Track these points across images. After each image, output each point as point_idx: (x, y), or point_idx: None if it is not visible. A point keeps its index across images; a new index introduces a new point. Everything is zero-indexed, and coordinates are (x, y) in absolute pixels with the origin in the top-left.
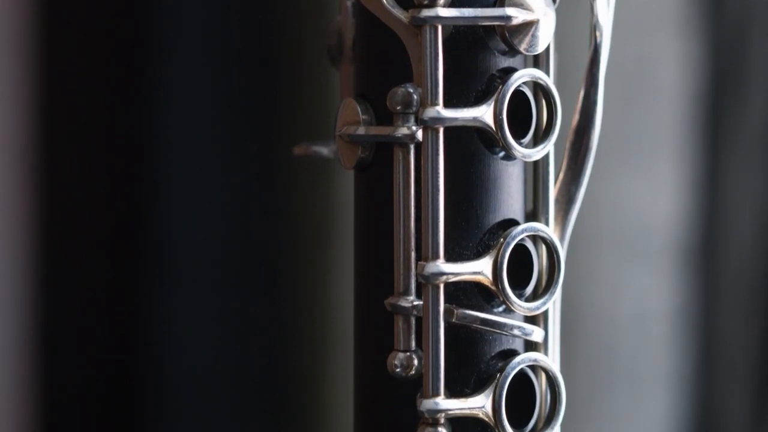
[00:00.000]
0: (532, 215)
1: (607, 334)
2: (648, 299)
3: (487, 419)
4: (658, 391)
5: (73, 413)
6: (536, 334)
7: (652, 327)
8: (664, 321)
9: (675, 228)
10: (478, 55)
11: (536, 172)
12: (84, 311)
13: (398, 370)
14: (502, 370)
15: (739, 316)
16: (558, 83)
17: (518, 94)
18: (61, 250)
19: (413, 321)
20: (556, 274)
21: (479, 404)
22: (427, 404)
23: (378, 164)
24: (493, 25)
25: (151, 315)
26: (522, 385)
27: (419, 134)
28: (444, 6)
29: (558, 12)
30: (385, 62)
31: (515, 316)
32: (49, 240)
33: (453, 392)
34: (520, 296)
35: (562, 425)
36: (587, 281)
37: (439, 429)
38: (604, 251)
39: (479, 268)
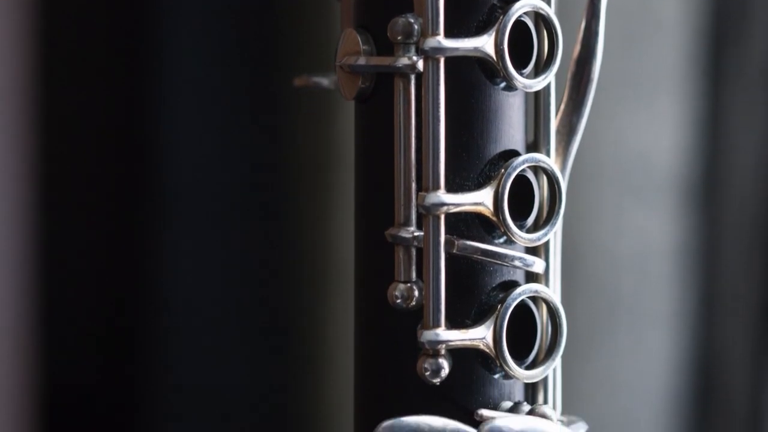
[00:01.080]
0: (533, 146)
1: (608, 271)
2: (649, 236)
3: (487, 350)
4: (660, 328)
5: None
6: (537, 265)
7: (653, 264)
8: (666, 258)
9: (676, 164)
10: None
11: (537, 103)
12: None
13: (399, 301)
14: (502, 301)
15: (741, 253)
16: (559, 14)
17: (519, 24)
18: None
19: (414, 252)
20: (557, 205)
21: (480, 335)
22: (427, 335)
23: (379, 95)
24: None
25: (154, 246)
26: (523, 317)
27: (420, 64)
28: None
29: None
30: None
31: (516, 248)
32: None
33: (453, 323)
34: (521, 227)
35: (563, 359)
36: (588, 218)
37: (440, 360)
38: (605, 188)
39: (480, 199)
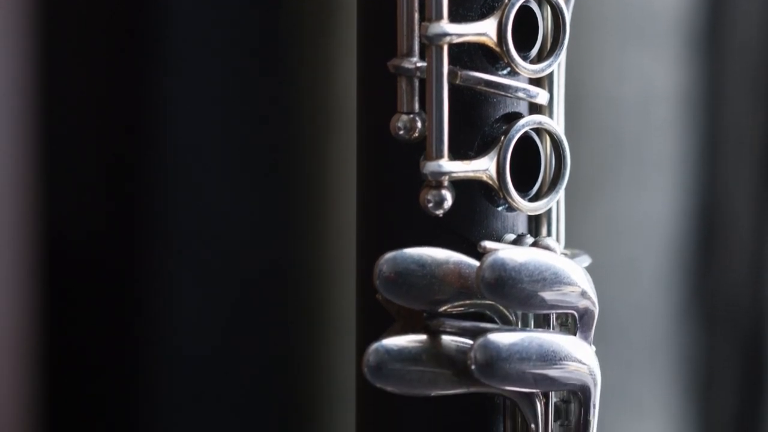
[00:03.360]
0: None
1: (612, 116)
2: (652, 81)
3: (491, 182)
4: (663, 173)
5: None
6: (541, 96)
7: (656, 109)
8: (669, 103)
9: (681, 8)
10: None
11: None
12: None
13: (401, 132)
14: (506, 132)
15: (744, 97)
16: None
17: None
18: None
19: (416, 83)
20: (561, 35)
21: (483, 167)
22: (430, 166)
23: None
24: None
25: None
26: (526, 150)
27: None
28: None
29: None
30: None
31: (520, 79)
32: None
33: (456, 155)
34: (524, 58)
35: (566, 201)
36: (591, 63)
37: (443, 192)
38: (609, 32)
39: (484, 29)
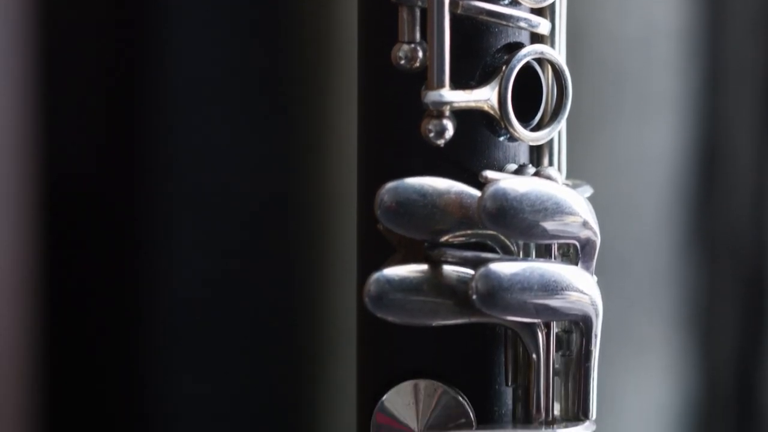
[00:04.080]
0: None
1: (613, 53)
2: (654, 17)
3: (492, 112)
4: (664, 109)
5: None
6: (543, 26)
7: (658, 45)
8: (670, 39)
9: None
10: None
11: None
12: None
13: (402, 62)
14: (507, 62)
15: (745, 33)
16: None
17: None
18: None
19: (418, 13)
20: None
21: (485, 96)
22: (431, 96)
23: None
24: None
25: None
26: (528, 80)
27: None
28: None
29: None
30: None
31: (521, 8)
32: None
33: (458, 85)
34: None
35: (567, 135)
36: (592, 0)
37: (444, 121)
38: None
39: None
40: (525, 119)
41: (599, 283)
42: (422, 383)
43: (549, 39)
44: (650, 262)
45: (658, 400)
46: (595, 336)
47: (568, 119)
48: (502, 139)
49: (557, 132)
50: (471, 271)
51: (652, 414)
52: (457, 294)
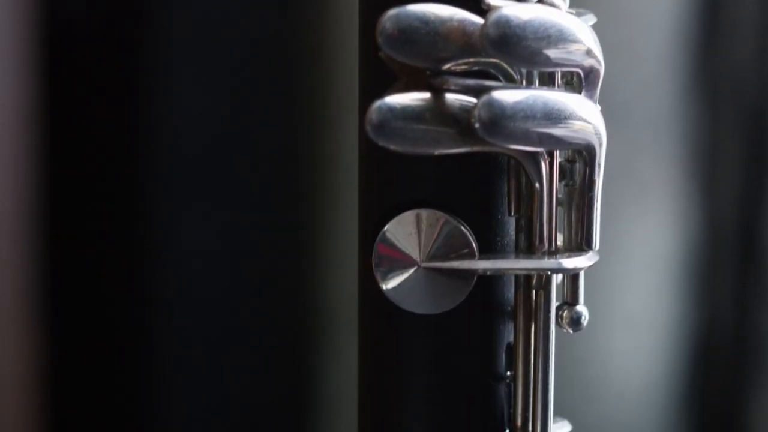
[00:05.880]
0: None
1: None
2: None
3: None
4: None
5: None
6: None
7: None
8: None
9: None
10: None
11: None
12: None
13: None
14: None
15: None
16: None
17: None
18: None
19: None
20: None
21: None
22: None
23: None
24: None
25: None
26: None
27: None
28: None
29: None
30: None
31: None
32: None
33: None
34: None
35: None
36: None
37: None
38: None
39: None
40: None
41: None
42: (424, 213)
43: None
44: (653, 106)
45: (661, 244)
46: (599, 165)
47: None
48: None
49: None
50: (474, 99)
51: (654, 257)
52: (459, 122)
